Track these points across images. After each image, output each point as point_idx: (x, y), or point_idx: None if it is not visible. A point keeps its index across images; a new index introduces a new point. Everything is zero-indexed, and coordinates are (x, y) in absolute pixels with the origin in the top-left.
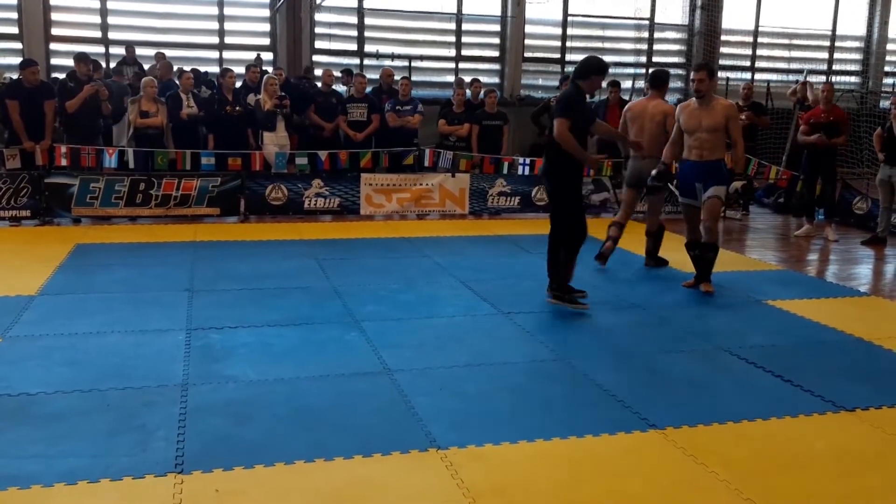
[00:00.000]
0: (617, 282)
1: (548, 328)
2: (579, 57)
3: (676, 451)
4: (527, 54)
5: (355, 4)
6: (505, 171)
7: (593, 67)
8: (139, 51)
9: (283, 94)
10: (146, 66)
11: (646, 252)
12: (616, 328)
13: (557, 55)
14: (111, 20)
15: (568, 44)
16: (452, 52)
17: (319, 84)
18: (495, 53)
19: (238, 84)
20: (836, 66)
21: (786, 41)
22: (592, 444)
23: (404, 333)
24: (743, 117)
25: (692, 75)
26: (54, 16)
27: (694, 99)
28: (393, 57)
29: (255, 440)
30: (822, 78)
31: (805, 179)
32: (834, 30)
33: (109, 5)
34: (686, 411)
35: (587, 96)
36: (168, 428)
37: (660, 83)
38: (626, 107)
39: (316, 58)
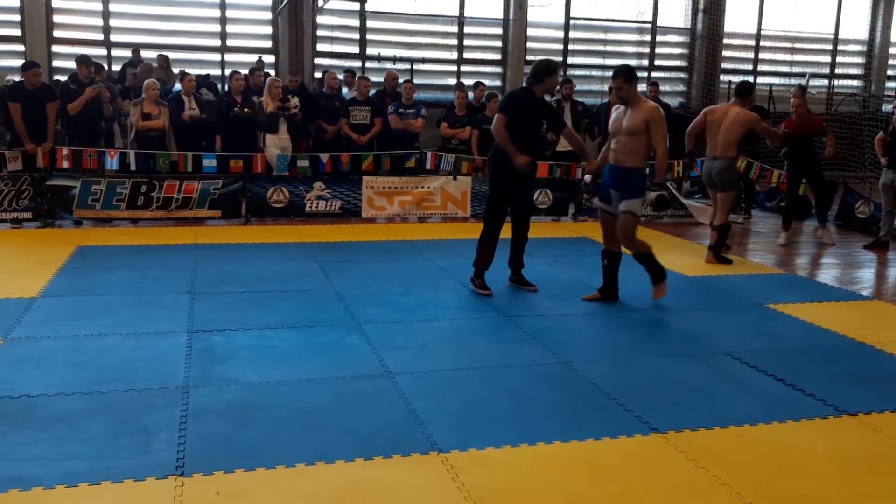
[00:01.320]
0: (619, 285)
1: (550, 331)
2: (582, 60)
3: (678, 455)
4: (529, 57)
5: (357, 7)
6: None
7: (545, 70)
8: (141, 53)
9: (288, 96)
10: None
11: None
12: (618, 331)
13: (559, 58)
14: (113, 22)
15: (570, 47)
16: (454, 55)
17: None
18: (497, 56)
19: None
20: (838, 70)
21: (788, 45)
22: (594, 448)
23: (406, 336)
24: None
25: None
26: (57, 18)
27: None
28: (395, 60)
29: (256, 443)
30: (825, 81)
31: (788, 185)
32: (836, 33)
33: (112, 8)
34: (688, 415)
35: (555, 97)
36: (169, 430)
37: (746, 93)
38: (709, 108)
39: (318, 60)
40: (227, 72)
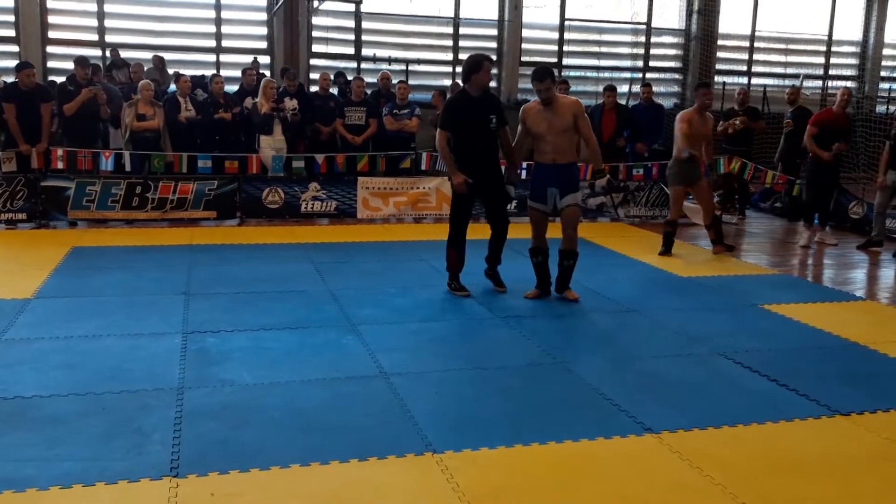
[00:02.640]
0: (614, 286)
1: (544, 332)
2: (577, 61)
3: (672, 455)
4: (524, 58)
5: (352, 8)
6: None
7: (471, 67)
8: (136, 54)
9: (286, 98)
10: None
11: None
12: (613, 332)
13: (555, 59)
14: (108, 23)
15: (565, 48)
16: (450, 56)
17: (316, 88)
18: (492, 57)
19: (235, 88)
20: (832, 71)
21: (782, 46)
22: (588, 448)
23: (401, 337)
24: (738, 122)
25: (534, 86)
26: (51, 19)
27: (538, 101)
28: (390, 60)
29: (251, 444)
30: (819, 83)
31: (809, 184)
32: (830, 34)
33: (106, 8)
34: (682, 415)
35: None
36: (164, 431)
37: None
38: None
39: (313, 61)
40: (223, 73)
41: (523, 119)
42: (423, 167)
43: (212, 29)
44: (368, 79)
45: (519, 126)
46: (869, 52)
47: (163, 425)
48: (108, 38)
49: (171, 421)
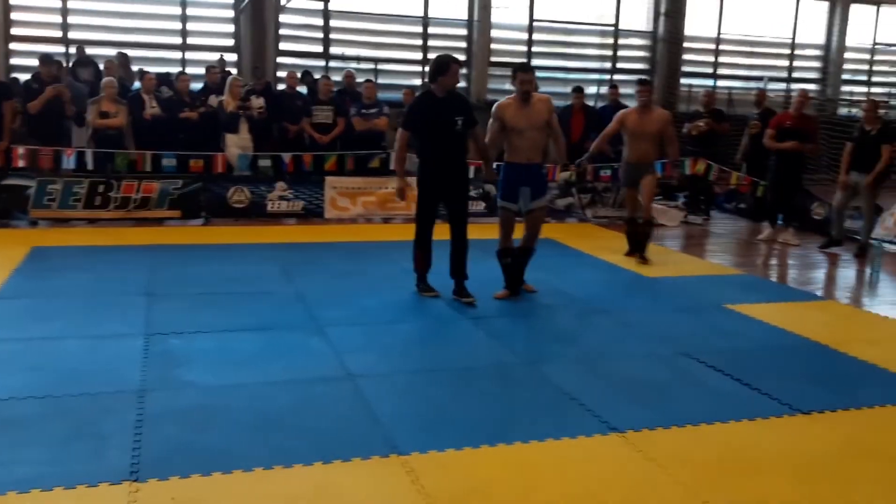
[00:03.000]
0: (581, 286)
1: (513, 332)
2: (545, 62)
3: (637, 455)
4: (493, 58)
5: (321, 6)
6: (472, 174)
7: (438, 68)
8: (101, 51)
9: (252, 97)
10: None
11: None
12: (580, 332)
13: (524, 59)
14: (72, 20)
15: (534, 49)
16: (419, 56)
17: (283, 86)
18: (462, 57)
19: (200, 85)
20: (795, 74)
21: (747, 49)
22: (554, 448)
23: (368, 338)
24: (702, 124)
25: (519, 77)
26: (14, 15)
27: (514, 97)
28: (359, 59)
29: (213, 447)
30: (783, 85)
31: (772, 184)
32: (794, 38)
33: (70, 5)
34: (647, 415)
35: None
36: (124, 435)
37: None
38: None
39: (280, 59)
40: (189, 70)
41: (500, 116)
42: (392, 167)
43: (177, 26)
44: (337, 77)
45: (492, 123)
46: (831, 55)
47: (123, 429)
48: (72, 35)
49: (132, 424)
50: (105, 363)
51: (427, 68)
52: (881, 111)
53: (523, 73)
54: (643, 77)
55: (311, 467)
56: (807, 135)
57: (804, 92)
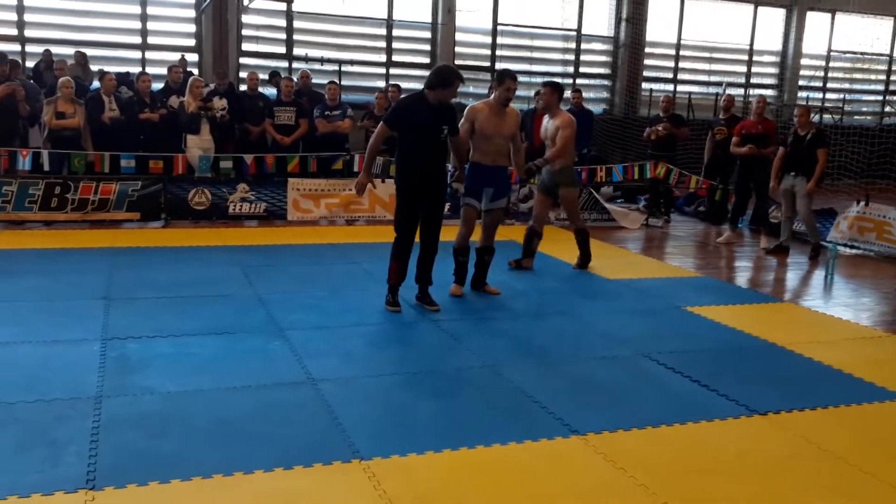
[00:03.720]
0: (542, 288)
1: (475, 335)
2: (509, 65)
3: (597, 457)
4: (458, 62)
5: (284, 7)
6: None
7: (443, 80)
8: (58, 50)
9: (214, 98)
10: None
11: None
12: (541, 334)
13: (487, 63)
14: (28, 17)
15: (497, 52)
16: (383, 58)
17: (245, 87)
18: (426, 60)
19: (161, 86)
20: (753, 80)
21: (706, 55)
22: (515, 452)
23: (330, 342)
24: (661, 128)
25: (507, 84)
26: None
27: (495, 100)
28: (322, 61)
29: (172, 454)
30: (741, 90)
31: (737, 188)
32: (752, 44)
33: (27, 2)
34: (607, 417)
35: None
36: (80, 442)
37: None
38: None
39: (243, 60)
40: (149, 70)
41: (472, 118)
42: (356, 169)
43: (137, 25)
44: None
45: (463, 123)
46: (788, 61)
47: (79, 436)
48: (28, 34)
49: (88, 431)
50: (61, 369)
51: (392, 70)
52: (813, 116)
53: (512, 80)
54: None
55: (271, 473)
56: (767, 139)
57: (763, 98)
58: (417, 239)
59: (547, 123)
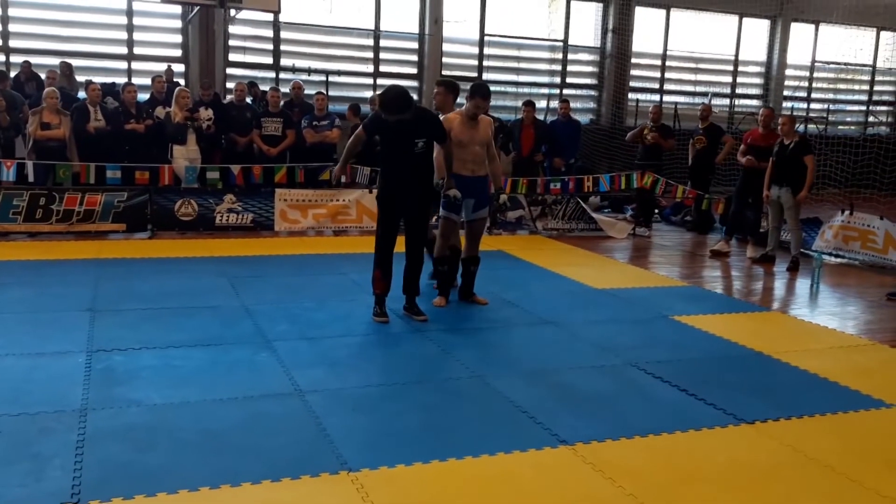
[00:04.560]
0: (531, 298)
1: (462, 345)
2: (496, 76)
3: (585, 467)
4: (444, 72)
5: (271, 18)
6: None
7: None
8: (43, 60)
9: (200, 108)
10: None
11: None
12: (530, 344)
13: (475, 73)
14: (12, 28)
15: (485, 63)
16: (370, 69)
17: (232, 97)
18: (413, 70)
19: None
20: (738, 90)
21: (692, 65)
22: (504, 462)
23: (317, 353)
24: (649, 138)
25: (476, 101)
26: None
27: (465, 111)
28: (310, 71)
29: (158, 467)
30: (727, 100)
31: (737, 198)
32: (737, 55)
33: (11, 12)
34: (595, 426)
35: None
36: (64, 456)
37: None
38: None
39: (230, 70)
40: (136, 81)
41: (447, 129)
42: (344, 179)
43: (123, 36)
44: (287, 89)
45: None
46: (773, 72)
47: (63, 449)
48: (13, 44)
49: (73, 444)
50: (45, 381)
51: (380, 80)
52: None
53: (482, 99)
54: (444, 79)
55: (259, 486)
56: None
57: (769, 110)
58: (402, 249)
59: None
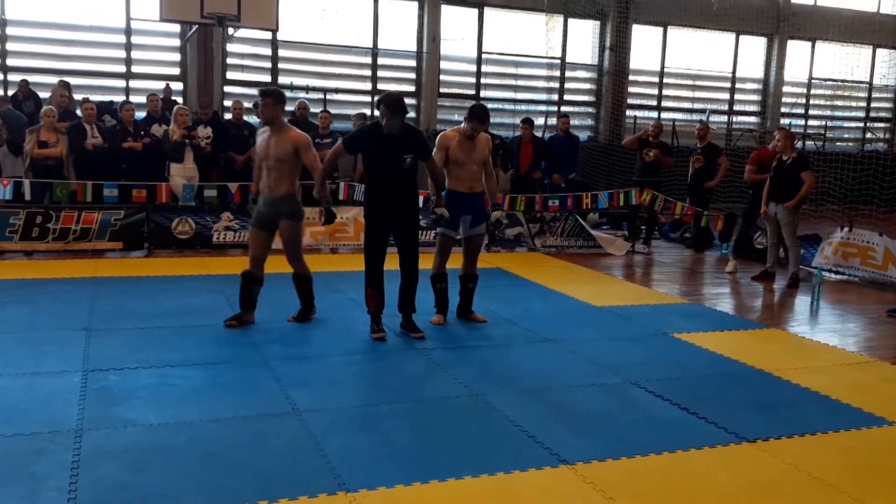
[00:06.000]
0: (530, 315)
1: (462, 363)
2: (494, 94)
3: (586, 487)
4: (442, 90)
5: (269, 36)
6: (421, 204)
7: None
8: (42, 79)
9: (199, 126)
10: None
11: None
12: (529, 362)
13: (472, 91)
14: (10, 46)
15: (482, 80)
16: (368, 86)
17: (229, 115)
18: (411, 88)
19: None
20: (736, 107)
21: (690, 82)
22: (504, 482)
23: (315, 372)
24: (651, 154)
25: (473, 125)
26: None
27: (462, 130)
28: (308, 89)
29: (154, 488)
30: (724, 118)
31: (746, 217)
32: (734, 72)
33: (9, 31)
34: (596, 446)
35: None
36: (60, 476)
37: None
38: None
39: (228, 88)
40: (133, 99)
41: (444, 146)
42: (341, 197)
43: (122, 54)
44: (288, 107)
45: (437, 152)
46: (770, 89)
47: (59, 470)
48: (10, 62)
49: (68, 465)
50: (41, 401)
51: (375, 98)
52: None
53: (479, 122)
54: (266, 88)
55: None
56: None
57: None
58: (396, 266)
59: (269, 140)
